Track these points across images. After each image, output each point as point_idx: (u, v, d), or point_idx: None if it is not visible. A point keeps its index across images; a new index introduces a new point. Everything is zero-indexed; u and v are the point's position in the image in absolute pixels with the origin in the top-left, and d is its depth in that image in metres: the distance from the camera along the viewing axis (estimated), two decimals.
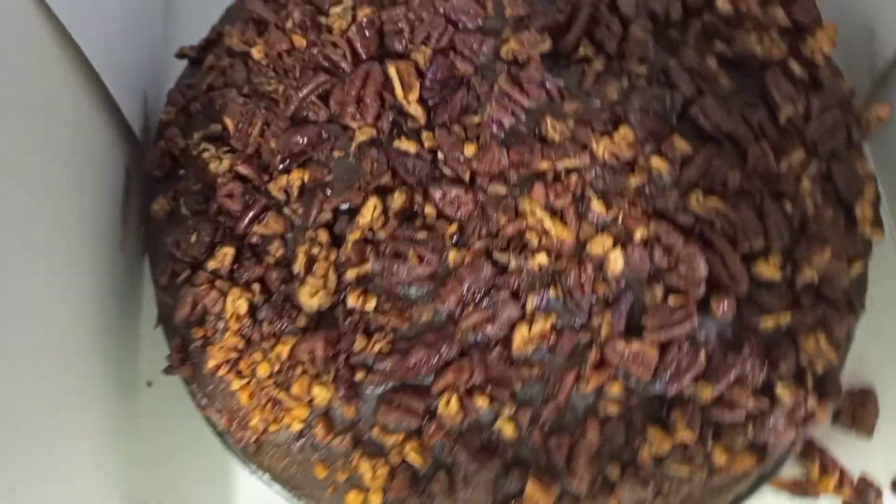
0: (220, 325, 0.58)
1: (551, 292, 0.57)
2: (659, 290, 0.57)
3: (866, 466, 0.66)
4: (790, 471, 0.66)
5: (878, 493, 0.64)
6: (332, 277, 0.56)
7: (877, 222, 0.65)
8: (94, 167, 0.64)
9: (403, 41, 0.63)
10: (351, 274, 0.56)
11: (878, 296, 0.67)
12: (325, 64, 0.63)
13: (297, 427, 0.56)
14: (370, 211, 0.57)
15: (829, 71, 0.68)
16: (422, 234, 0.56)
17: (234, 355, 0.57)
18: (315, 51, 0.64)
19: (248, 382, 0.57)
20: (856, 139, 0.66)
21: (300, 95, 0.61)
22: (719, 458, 0.56)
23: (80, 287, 0.61)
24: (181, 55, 0.69)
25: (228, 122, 0.62)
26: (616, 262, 0.57)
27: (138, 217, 0.69)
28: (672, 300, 0.57)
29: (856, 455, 0.66)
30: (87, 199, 0.62)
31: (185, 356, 0.60)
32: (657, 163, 0.60)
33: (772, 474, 0.65)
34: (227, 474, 0.65)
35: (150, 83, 0.73)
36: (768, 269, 0.59)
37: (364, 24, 0.62)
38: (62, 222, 0.58)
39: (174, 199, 0.63)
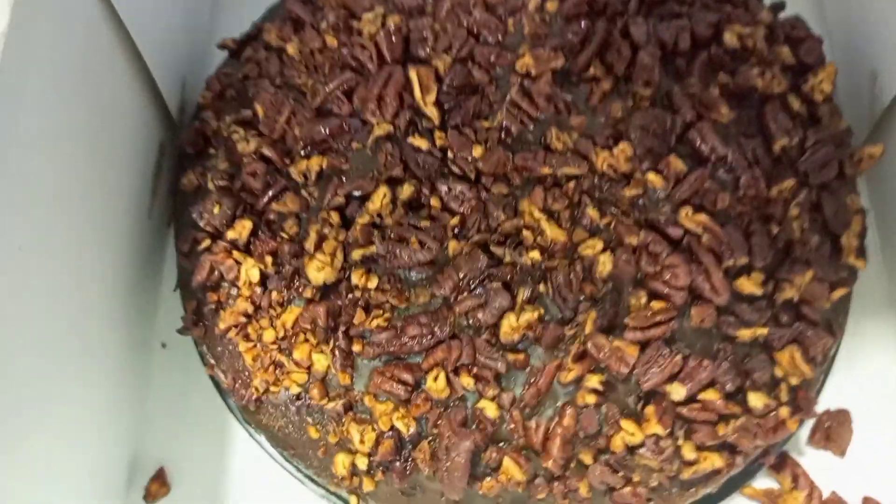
0: (234, 291, 0.63)
1: (541, 287, 0.61)
2: (643, 295, 0.61)
3: (837, 486, 0.69)
4: (764, 482, 0.69)
5: None
6: (339, 256, 0.61)
7: (861, 252, 0.68)
8: (131, 141, 0.69)
9: (426, 48, 0.68)
10: (357, 254, 0.61)
11: (860, 325, 0.70)
12: (353, 63, 0.69)
13: (295, 390, 0.61)
14: (380, 198, 0.62)
15: (827, 109, 0.71)
16: (425, 223, 0.61)
17: (243, 320, 0.62)
18: (344, 51, 0.69)
19: (255, 346, 0.62)
20: (849, 174, 0.70)
21: (327, 89, 0.66)
22: (688, 452, 0.59)
23: (107, 248, 0.66)
24: (222, 46, 0.75)
25: (259, 108, 0.67)
26: (604, 264, 0.61)
27: (167, 189, 0.74)
28: (654, 304, 0.61)
29: (827, 474, 0.69)
30: (122, 169, 0.68)
31: (198, 318, 0.65)
32: (653, 178, 0.64)
33: (744, 483, 0.68)
34: (226, 435, 0.69)
35: (189, 70, 0.79)
36: (749, 285, 0.63)
37: (391, 31, 0.68)
38: (95, 187, 0.63)
39: (202, 174, 0.68)
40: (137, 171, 0.71)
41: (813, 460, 0.70)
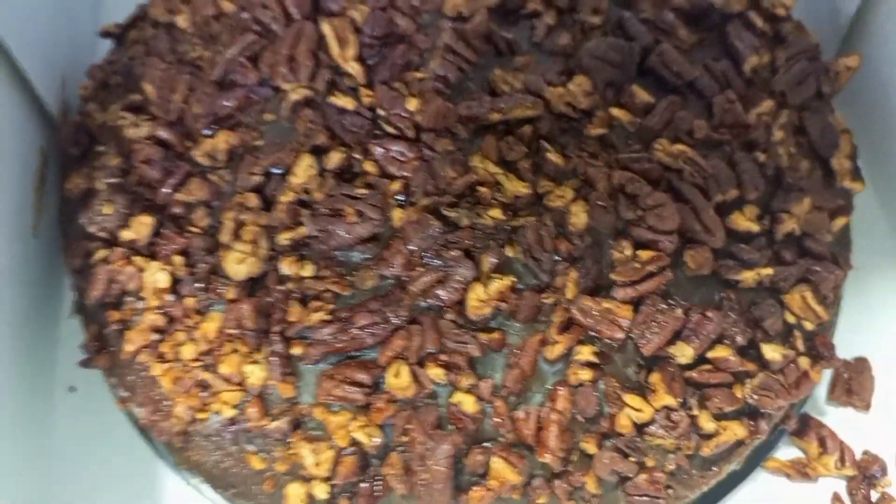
0: (139, 304, 0.52)
1: (509, 250, 0.51)
2: (627, 245, 0.52)
3: (868, 444, 0.60)
4: (786, 453, 0.60)
5: (884, 468, 0.58)
6: (264, 243, 0.50)
7: (856, 174, 0.61)
8: (6, 150, 0.58)
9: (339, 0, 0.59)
10: (284, 238, 0.50)
11: (862, 257, 0.62)
12: (255, 27, 0.58)
13: (228, 413, 0.49)
14: (303, 170, 0.51)
15: (791, 26, 0.64)
16: (362, 192, 0.51)
17: (154, 337, 0.51)
18: (244, 15, 0.59)
19: (172, 366, 0.50)
20: (826, 92, 0.62)
21: (227, 57, 0.56)
22: (706, 423, 0.50)
23: None
24: (105, 33, 0.64)
25: (148, 88, 0.56)
26: (579, 215, 0.52)
27: (55, 203, 0.62)
28: (642, 255, 0.51)
29: (855, 431, 0.60)
30: None
31: (101, 344, 0.53)
32: (617, 112, 0.56)
33: (766, 455, 0.59)
34: (156, 488, 0.56)
35: (72, 66, 0.67)
36: (745, 221, 0.55)
37: None
38: None
39: (89, 176, 0.57)
40: (16, 184, 0.59)
41: (836, 419, 0.61)
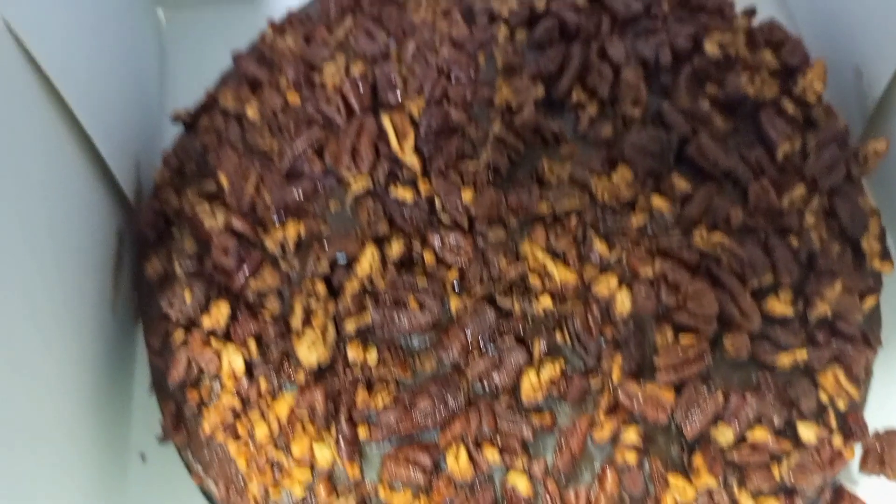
0: (216, 386, 0.56)
1: (558, 336, 0.55)
2: (669, 330, 0.55)
3: None
4: None
5: None
6: (331, 330, 0.54)
7: (885, 255, 0.64)
8: (86, 231, 0.63)
9: (396, 93, 0.63)
10: (350, 325, 0.54)
11: (891, 331, 0.65)
12: (319, 119, 0.63)
13: (298, 492, 0.53)
14: (368, 260, 0.56)
15: (821, 110, 0.68)
16: (422, 281, 0.55)
17: (230, 417, 0.55)
18: (309, 107, 0.63)
19: (247, 446, 0.54)
20: (855, 175, 0.66)
21: (294, 149, 0.61)
22: (746, 502, 0.53)
23: (67, 354, 0.58)
24: (176, 118, 0.69)
25: (223, 178, 0.61)
26: (623, 302, 0.55)
27: (130, 282, 0.67)
28: (683, 339, 0.55)
29: (887, 501, 0.63)
30: (78, 264, 0.61)
31: (179, 422, 0.57)
32: (658, 202, 0.59)
33: None
34: None
35: (142, 149, 0.72)
36: (780, 305, 0.58)
37: (357, 79, 0.63)
38: (50, 286, 0.56)
39: (168, 259, 0.61)
40: (96, 264, 0.64)
41: (869, 489, 0.64)
